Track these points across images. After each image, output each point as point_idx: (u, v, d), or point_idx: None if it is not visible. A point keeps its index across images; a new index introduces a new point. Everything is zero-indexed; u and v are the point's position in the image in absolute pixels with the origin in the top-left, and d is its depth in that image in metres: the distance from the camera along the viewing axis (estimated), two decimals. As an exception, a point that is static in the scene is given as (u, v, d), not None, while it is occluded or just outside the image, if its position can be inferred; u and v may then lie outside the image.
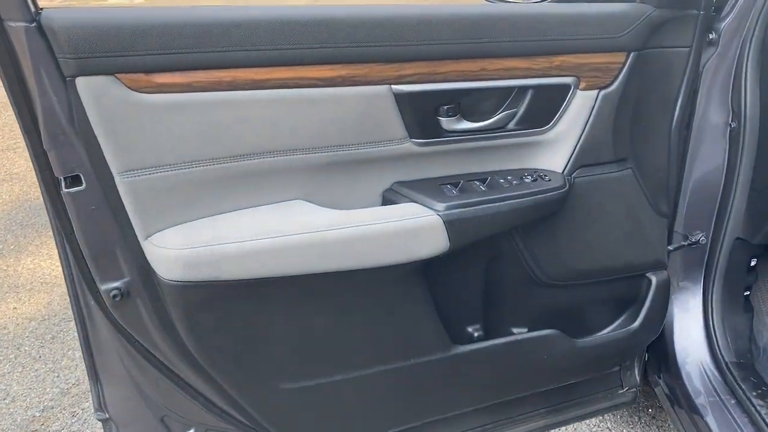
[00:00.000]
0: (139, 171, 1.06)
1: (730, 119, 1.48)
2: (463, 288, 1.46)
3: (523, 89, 1.30)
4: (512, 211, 1.30)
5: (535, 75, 1.28)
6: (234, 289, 1.15)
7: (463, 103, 1.28)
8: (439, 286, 1.39)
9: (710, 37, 1.43)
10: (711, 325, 1.64)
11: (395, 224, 1.21)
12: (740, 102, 1.44)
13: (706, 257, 1.62)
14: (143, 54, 1.00)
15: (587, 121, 1.36)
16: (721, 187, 1.54)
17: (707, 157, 1.52)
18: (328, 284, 1.23)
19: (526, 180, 1.35)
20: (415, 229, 1.22)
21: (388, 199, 1.31)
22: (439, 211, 1.24)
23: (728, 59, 1.45)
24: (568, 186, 1.36)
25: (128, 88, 1.01)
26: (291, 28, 1.08)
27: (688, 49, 1.40)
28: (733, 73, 1.45)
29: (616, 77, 1.34)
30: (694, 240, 1.61)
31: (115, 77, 1.00)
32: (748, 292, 1.72)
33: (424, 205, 1.25)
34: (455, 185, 1.31)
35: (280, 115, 1.13)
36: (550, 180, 1.35)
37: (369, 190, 1.30)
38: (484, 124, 1.31)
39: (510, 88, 1.30)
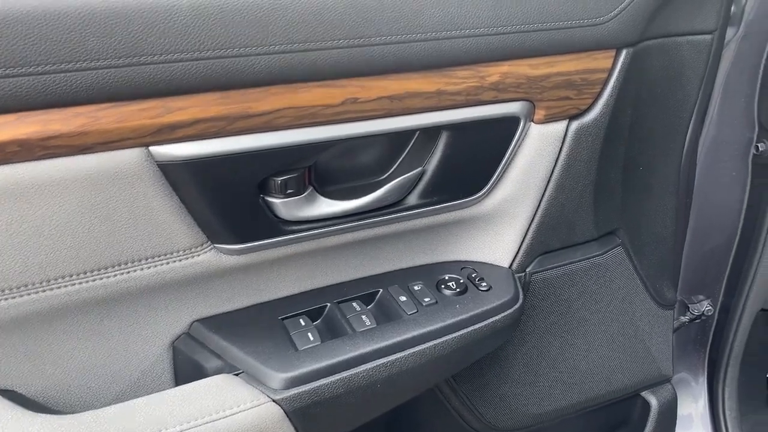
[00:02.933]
0: None
1: (755, 138, 1.02)
2: None
3: (431, 132, 0.68)
4: (426, 365, 0.69)
5: (452, 103, 0.66)
6: None
7: (318, 168, 0.66)
8: None
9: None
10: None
11: None
12: None
13: (711, 334, 1.18)
14: None
15: (549, 177, 0.76)
16: (738, 236, 1.10)
17: (718, 191, 1.07)
18: None
19: (447, 291, 0.74)
20: None
21: (181, 355, 0.67)
22: (275, 390, 0.61)
23: (755, 47, 0.94)
24: (521, 296, 0.76)
25: None
26: None
27: (710, 36, 0.81)
28: (762, 68, 0.95)
29: (599, 95, 0.74)
30: (696, 313, 1.13)
31: None
32: None
33: (248, 374, 0.63)
34: (312, 316, 0.69)
35: None
36: (489, 288, 0.75)
37: (136, 349, 0.65)
38: (362, 202, 0.68)
39: (406, 133, 0.67)
